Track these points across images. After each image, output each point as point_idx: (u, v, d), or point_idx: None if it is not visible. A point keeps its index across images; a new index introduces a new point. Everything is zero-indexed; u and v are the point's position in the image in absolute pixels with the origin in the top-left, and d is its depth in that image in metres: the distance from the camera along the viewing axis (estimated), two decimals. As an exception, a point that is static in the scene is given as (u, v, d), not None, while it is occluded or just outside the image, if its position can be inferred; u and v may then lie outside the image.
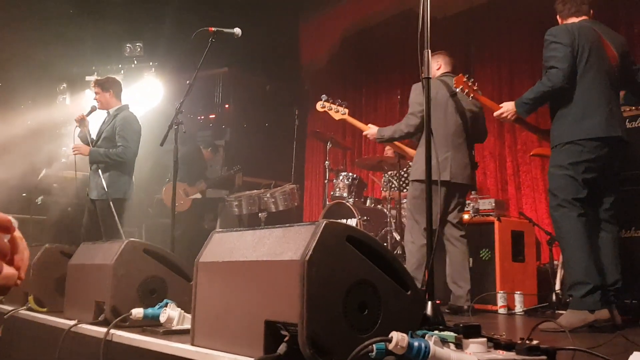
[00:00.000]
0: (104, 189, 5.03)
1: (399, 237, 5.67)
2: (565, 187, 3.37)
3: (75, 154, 5.25)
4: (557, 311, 4.32)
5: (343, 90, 9.01)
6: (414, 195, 4.37)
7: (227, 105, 8.95)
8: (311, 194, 9.31)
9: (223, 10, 7.68)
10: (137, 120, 5.47)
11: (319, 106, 4.89)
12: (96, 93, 5.46)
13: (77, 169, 5.40)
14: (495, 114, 3.76)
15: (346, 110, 4.87)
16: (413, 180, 4.42)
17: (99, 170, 5.13)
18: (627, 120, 4.04)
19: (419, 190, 4.30)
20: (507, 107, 3.69)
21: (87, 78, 8.60)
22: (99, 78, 5.59)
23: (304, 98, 9.48)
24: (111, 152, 5.20)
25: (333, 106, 4.86)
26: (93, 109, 5.46)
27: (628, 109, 4.09)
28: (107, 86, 5.46)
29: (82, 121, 5.34)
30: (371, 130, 4.66)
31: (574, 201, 3.33)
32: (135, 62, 8.74)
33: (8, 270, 0.79)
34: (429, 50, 2.81)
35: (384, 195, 6.43)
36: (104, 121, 5.55)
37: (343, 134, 8.75)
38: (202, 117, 8.98)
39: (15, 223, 0.77)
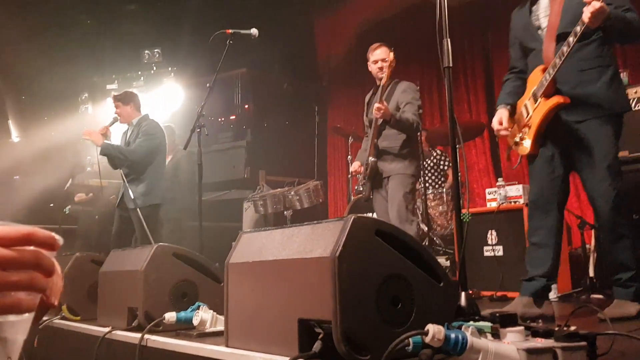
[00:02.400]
0: (143, 196, 5.14)
1: (426, 229, 5.64)
2: None
3: (85, 138, 5.27)
4: (592, 295, 4.24)
5: (362, 84, 8.92)
6: (411, 190, 4.48)
7: (247, 106, 8.94)
8: (335, 190, 9.28)
9: (238, 11, 7.69)
10: (159, 126, 5.55)
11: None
12: (116, 107, 5.53)
13: (104, 177, 5.48)
14: None
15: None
16: (404, 174, 4.48)
17: (135, 180, 5.23)
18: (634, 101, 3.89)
19: (414, 184, 4.56)
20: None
21: (108, 87, 8.68)
22: (117, 93, 5.66)
23: (323, 94, 9.45)
24: (123, 148, 5.31)
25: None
26: (115, 120, 5.54)
27: (634, 91, 3.94)
28: (127, 100, 5.54)
29: (105, 133, 5.40)
30: (387, 106, 4.54)
31: None
32: (155, 68, 8.78)
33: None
34: (448, 39, 2.76)
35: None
36: (126, 132, 5.63)
37: (364, 128, 8.70)
38: (223, 119, 8.99)
39: (60, 240, 0.72)
